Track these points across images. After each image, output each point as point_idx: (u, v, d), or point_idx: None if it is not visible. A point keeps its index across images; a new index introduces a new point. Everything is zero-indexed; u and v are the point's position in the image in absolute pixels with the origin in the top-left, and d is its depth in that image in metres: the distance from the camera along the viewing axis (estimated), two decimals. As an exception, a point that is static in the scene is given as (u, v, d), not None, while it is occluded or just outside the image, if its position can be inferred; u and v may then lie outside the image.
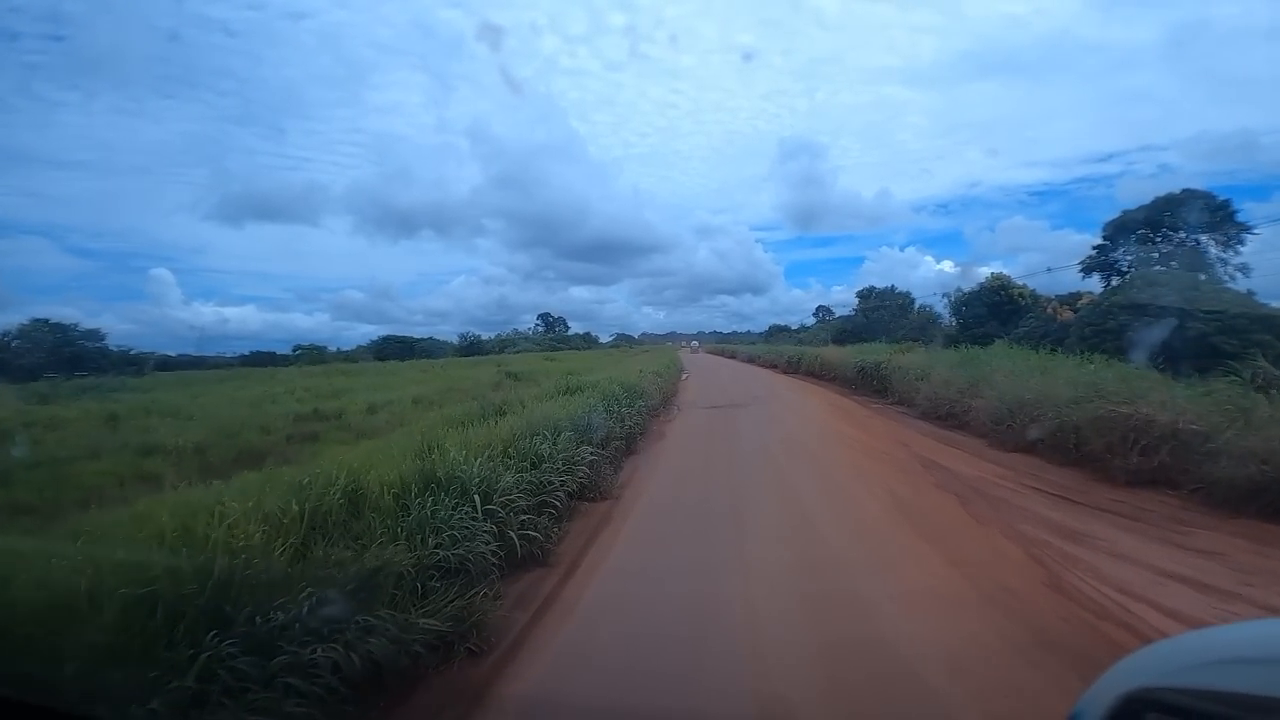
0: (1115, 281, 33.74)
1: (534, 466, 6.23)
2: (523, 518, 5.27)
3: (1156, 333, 18.33)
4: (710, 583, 4.92)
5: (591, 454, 7.56)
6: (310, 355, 68.30)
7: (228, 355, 63.63)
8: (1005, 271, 33.07)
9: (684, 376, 31.73)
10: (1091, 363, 11.23)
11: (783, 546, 5.69)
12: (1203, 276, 21.76)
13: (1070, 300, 26.05)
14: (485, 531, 4.68)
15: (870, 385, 19.49)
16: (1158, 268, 32.11)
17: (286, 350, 66.78)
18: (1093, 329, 20.86)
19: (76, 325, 45.22)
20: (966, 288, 35.05)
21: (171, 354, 62.19)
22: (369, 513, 4.40)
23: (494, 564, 4.62)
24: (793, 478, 8.48)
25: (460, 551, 4.23)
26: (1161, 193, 33.73)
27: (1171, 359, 13.70)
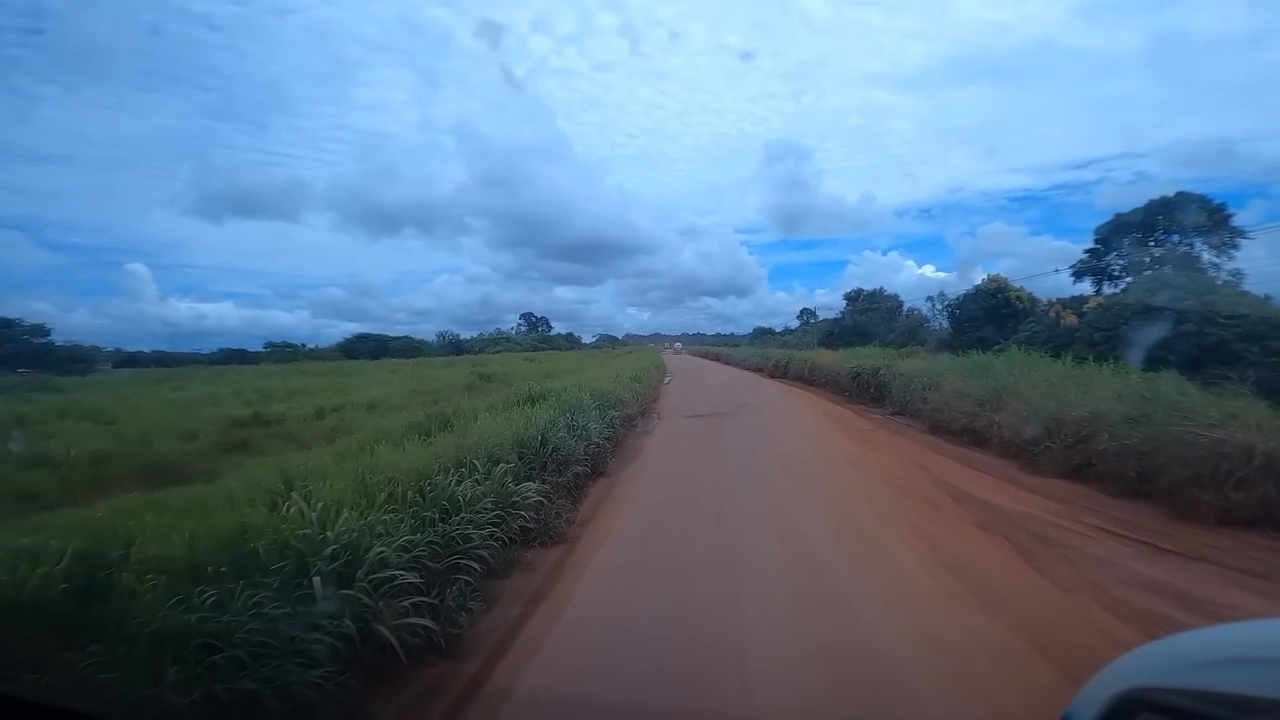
0: (1107, 286, 32.77)
1: (445, 518, 4.42)
2: (407, 602, 3.48)
3: (1174, 339, 16.99)
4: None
5: (537, 490, 5.77)
6: (281, 353, 66.29)
7: (202, 352, 61.74)
8: (974, 280, 31.88)
9: (666, 380, 30.17)
10: (1130, 373, 9.67)
11: (800, 641, 3.95)
12: (1220, 280, 20.45)
13: (1074, 304, 24.71)
14: (330, 632, 2.91)
15: (866, 393, 17.94)
16: (1149, 272, 31.12)
17: (259, 348, 65.28)
18: (1102, 334, 19.47)
19: (21, 320, 42.64)
20: (950, 291, 33.86)
21: (145, 350, 60.14)
22: (121, 603, 2.61)
23: (340, 685, 2.84)
24: (797, 514, 6.77)
25: (249, 682, 2.43)
26: (1139, 200, 32.97)
27: (1191, 367, 12.26)
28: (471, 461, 5.39)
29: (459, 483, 4.81)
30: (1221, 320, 16.84)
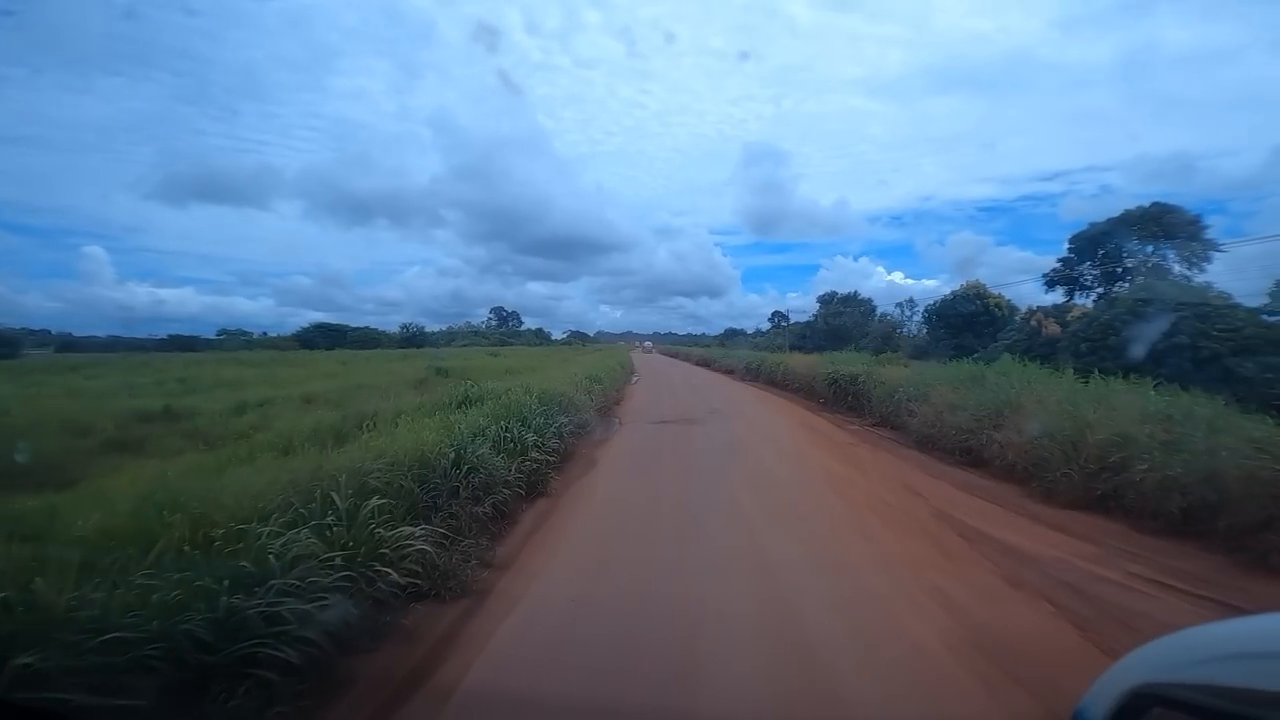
0: (1079, 296, 32.42)
1: (239, 588, 2.87)
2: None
3: (1165, 351, 16.16)
4: None
5: (429, 534, 4.21)
6: (235, 341, 63.90)
7: (152, 337, 59.53)
8: (951, 286, 31.39)
9: (633, 379, 28.87)
10: (1146, 389, 8.46)
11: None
12: (1213, 291, 19.75)
13: (1055, 313, 23.95)
14: None
15: (844, 401, 16.74)
16: (1127, 282, 30.81)
17: (214, 335, 63.32)
18: (1090, 345, 18.64)
19: (-59, 303, 39.52)
20: (919, 299, 33.53)
21: (99, 335, 57.68)
22: None
23: None
24: (776, 558, 5.35)
25: None
26: (1103, 213, 32.99)
27: (1183, 382, 11.33)
28: (329, 496, 3.86)
29: (284, 533, 3.25)
30: (1215, 333, 16.06)
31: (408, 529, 4.00)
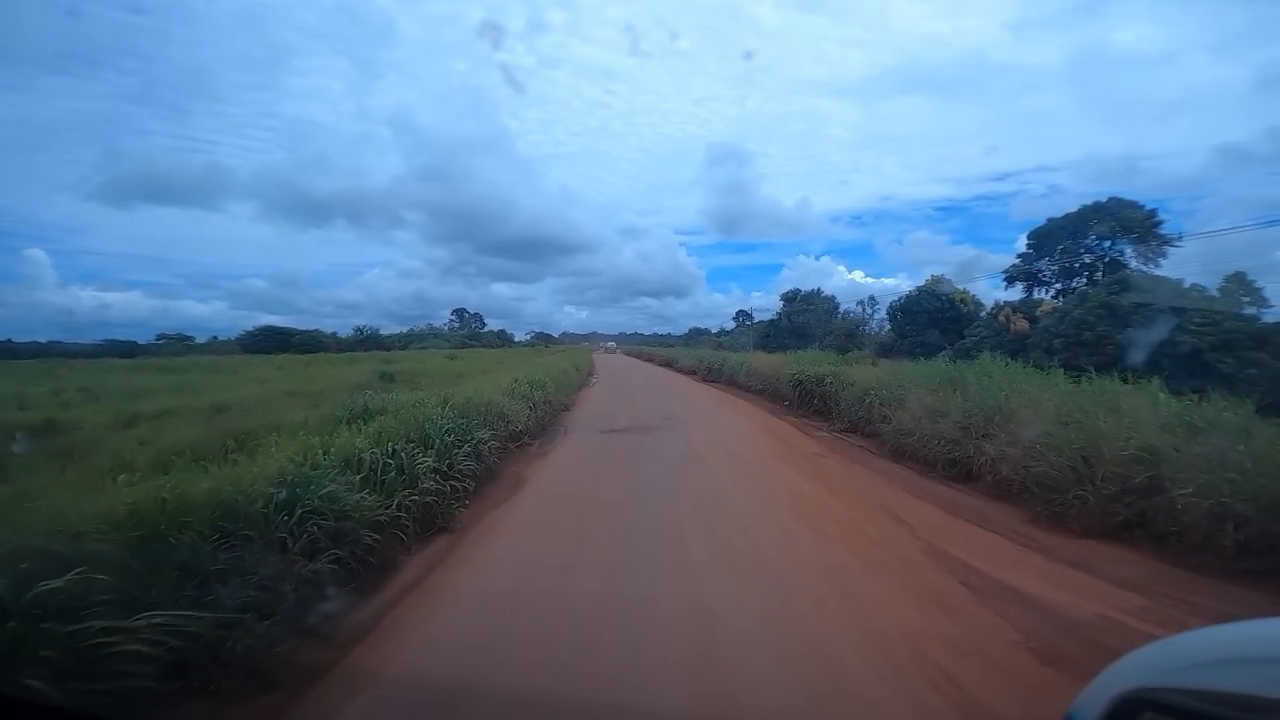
0: (1038, 291, 32.19)
1: None
2: None
3: (1144, 348, 15.38)
4: None
5: (157, 626, 2.65)
6: (174, 346, 61.00)
7: (85, 343, 56.41)
8: (912, 283, 30.88)
9: (591, 381, 27.53)
10: (1159, 393, 7.31)
11: None
12: (1188, 284, 19.18)
13: (1025, 308, 23.27)
14: None
15: (810, 404, 15.55)
16: (1080, 279, 30.66)
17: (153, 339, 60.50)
18: (1063, 341, 17.85)
19: None
20: (880, 296, 33.22)
21: (40, 340, 54.79)
22: None
23: None
24: (727, 630, 3.92)
25: None
26: (1052, 212, 33.08)
27: (1166, 380, 10.42)
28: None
29: None
30: (1193, 328, 15.34)
31: (116, 622, 2.42)
